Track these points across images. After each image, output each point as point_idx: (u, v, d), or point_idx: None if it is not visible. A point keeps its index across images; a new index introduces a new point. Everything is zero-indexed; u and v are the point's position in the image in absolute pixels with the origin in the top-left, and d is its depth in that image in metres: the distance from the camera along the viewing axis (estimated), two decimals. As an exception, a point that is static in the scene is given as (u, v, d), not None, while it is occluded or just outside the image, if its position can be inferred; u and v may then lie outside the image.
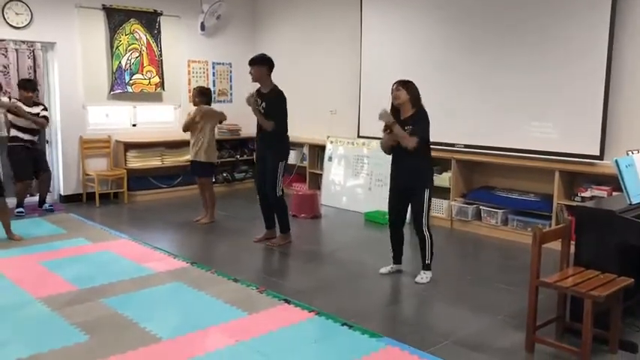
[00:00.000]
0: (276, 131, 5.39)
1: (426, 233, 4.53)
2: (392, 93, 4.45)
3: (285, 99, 5.43)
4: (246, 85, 8.95)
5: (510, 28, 5.99)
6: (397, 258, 4.80)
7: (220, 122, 6.79)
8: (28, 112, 6.52)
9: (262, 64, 5.47)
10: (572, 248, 3.57)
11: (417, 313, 4.15)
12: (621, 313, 3.33)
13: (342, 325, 3.69)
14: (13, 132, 6.57)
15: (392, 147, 4.54)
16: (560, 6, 5.60)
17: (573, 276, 3.32)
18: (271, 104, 5.38)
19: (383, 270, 4.78)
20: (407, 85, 4.42)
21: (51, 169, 7.19)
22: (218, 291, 4.28)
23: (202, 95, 6.43)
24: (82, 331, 3.55)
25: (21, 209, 6.71)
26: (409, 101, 4.40)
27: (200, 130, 6.34)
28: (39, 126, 6.72)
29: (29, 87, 6.63)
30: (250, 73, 5.52)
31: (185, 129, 6.50)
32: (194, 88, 6.64)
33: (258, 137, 5.65)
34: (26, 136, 6.60)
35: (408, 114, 4.42)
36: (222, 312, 3.90)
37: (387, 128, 4.40)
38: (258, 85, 5.62)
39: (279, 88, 5.48)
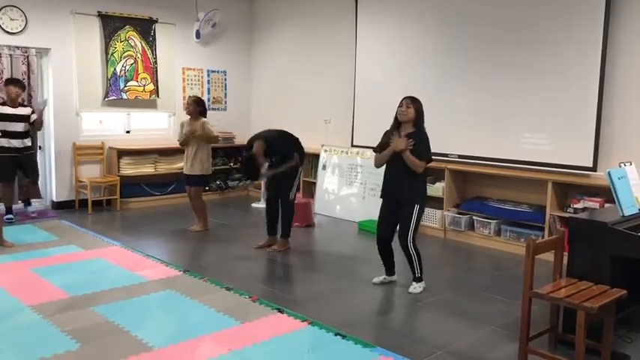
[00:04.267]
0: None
1: (412, 250, 4.50)
2: (399, 107, 4.44)
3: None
4: (241, 93, 9.04)
5: (504, 40, 6.04)
6: (389, 270, 4.79)
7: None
8: (15, 114, 6.47)
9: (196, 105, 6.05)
10: (565, 259, 3.59)
11: (410, 324, 4.14)
12: (614, 325, 3.34)
13: (335, 334, 3.68)
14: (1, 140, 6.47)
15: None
16: (554, 18, 5.65)
17: (566, 287, 3.32)
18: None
19: (376, 280, 4.77)
20: (416, 104, 4.42)
21: (41, 175, 7.15)
22: (211, 299, 4.26)
23: (199, 105, 6.34)
24: (74, 339, 3.52)
25: (10, 216, 6.66)
26: (414, 119, 4.41)
27: (196, 143, 6.25)
28: (36, 128, 6.71)
29: (17, 84, 6.55)
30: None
31: (184, 143, 6.34)
32: (189, 97, 6.54)
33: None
34: (14, 143, 6.49)
35: (408, 130, 4.41)
36: (215, 321, 3.88)
37: (399, 152, 4.37)
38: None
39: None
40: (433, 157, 4.59)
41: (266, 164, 5.62)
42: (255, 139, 5.64)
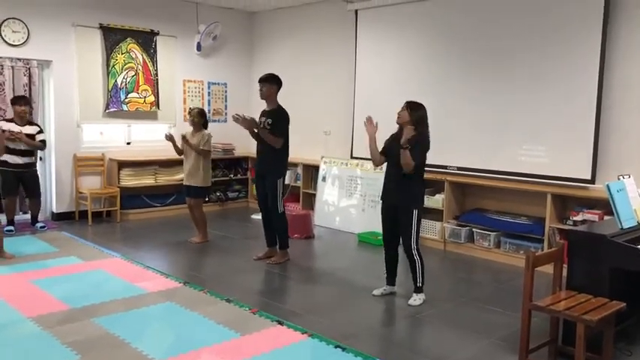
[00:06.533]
0: (278, 149, 5.50)
1: (416, 256, 4.53)
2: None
3: (289, 118, 5.57)
4: (241, 104, 9.08)
5: (503, 53, 6.08)
6: (391, 279, 4.80)
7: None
8: (21, 133, 6.48)
9: (273, 83, 5.59)
10: (565, 272, 3.60)
11: (410, 336, 4.14)
12: (613, 338, 3.34)
13: (335, 347, 3.68)
14: (4, 156, 6.42)
15: (381, 159, 4.63)
16: (553, 32, 5.70)
17: (566, 300, 3.33)
18: (276, 122, 5.49)
19: (376, 292, 4.78)
20: (411, 108, 4.49)
21: (43, 187, 7.14)
22: (210, 311, 4.26)
23: (203, 117, 6.39)
24: (74, 351, 3.52)
25: (11, 227, 6.67)
26: (410, 123, 4.45)
27: (197, 155, 6.26)
28: (36, 149, 6.75)
29: (22, 101, 6.61)
30: (260, 90, 5.60)
31: (179, 152, 6.41)
32: (194, 109, 6.53)
33: (258, 155, 5.72)
34: (16, 159, 6.52)
35: (408, 135, 4.45)
36: (215, 333, 3.88)
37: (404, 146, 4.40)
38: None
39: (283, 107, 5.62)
40: (432, 168, 4.62)
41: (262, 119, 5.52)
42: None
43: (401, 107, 4.54)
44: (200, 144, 6.22)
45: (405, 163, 4.37)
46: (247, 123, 5.46)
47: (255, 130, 5.50)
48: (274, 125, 5.47)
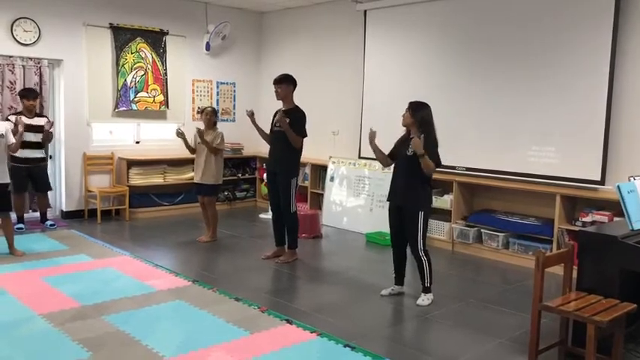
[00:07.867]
0: (293, 148, 5.54)
1: (423, 257, 4.53)
2: None
3: (306, 118, 5.63)
4: (249, 104, 9.09)
5: (512, 53, 6.08)
6: (399, 279, 4.81)
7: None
8: (30, 124, 6.48)
9: (289, 83, 5.65)
10: (575, 273, 3.60)
11: (419, 336, 4.15)
12: (623, 339, 3.33)
13: (344, 346, 3.69)
14: None
15: (387, 160, 4.66)
16: (562, 31, 5.69)
17: (576, 300, 3.33)
18: (295, 121, 5.52)
19: (384, 292, 4.78)
20: (413, 109, 4.48)
21: (52, 185, 7.18)
22: (220, 310, 4.28)
23: (215, 115, 6.47)
24: (85, 348, 3.54)
25: (21, 225, 6.71)
26: (414, 124, 4.46)
27: (209, 152, 6.30)
28: (46, 140, 6.78)
29: (30, 95, 6.64)
30: (276, 91, 5.64)
31: (193, 151, 6.48)
32: (207, 108, 6.54)
33: (270, 154, 5.76)
34: (25, 153, 6.50)
35: (414, 136, 4.47)
36: (224, 331, 3.90)
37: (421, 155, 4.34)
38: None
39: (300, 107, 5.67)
40: (442, 169, 4.62)
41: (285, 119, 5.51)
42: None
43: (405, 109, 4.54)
44: (214, 142, 6.27)
45: (426, 170, 4.37)
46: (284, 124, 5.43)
47: (279, 126, 5.49)
48: (293, 125, 5.49)
